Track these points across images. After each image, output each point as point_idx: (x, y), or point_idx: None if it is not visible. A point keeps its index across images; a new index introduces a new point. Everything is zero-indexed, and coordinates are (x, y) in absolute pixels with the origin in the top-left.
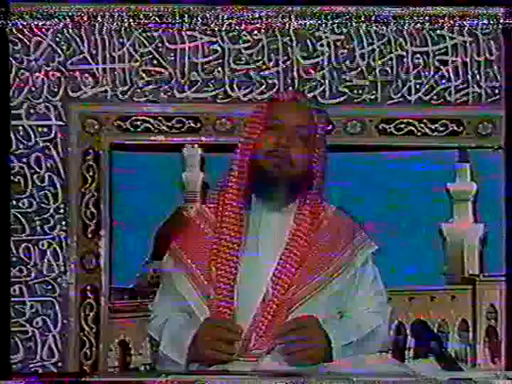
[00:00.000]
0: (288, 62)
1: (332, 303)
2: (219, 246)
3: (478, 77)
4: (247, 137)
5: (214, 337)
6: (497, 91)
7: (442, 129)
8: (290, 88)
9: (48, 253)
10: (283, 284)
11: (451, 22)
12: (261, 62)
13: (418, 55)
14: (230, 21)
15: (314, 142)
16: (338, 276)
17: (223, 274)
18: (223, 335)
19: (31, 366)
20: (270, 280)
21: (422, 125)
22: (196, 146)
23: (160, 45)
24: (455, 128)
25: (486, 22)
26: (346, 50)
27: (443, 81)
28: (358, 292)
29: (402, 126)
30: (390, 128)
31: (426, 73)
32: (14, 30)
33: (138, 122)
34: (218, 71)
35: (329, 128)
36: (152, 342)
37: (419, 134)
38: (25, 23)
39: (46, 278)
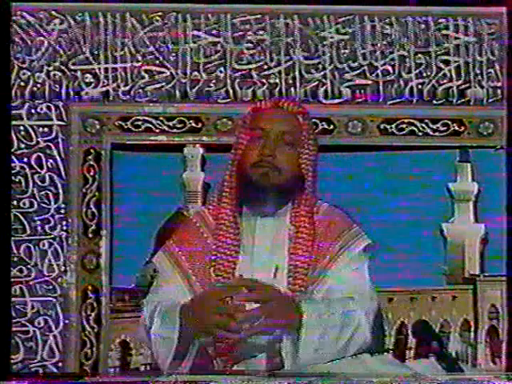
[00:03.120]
0: (290, 62)
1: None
2: (217, 253)
3: (479, 77)
4: (234, 149)
5: (219, 302)
6: (498, 91)
7: (443, 129)
8: (292, 88)
9: (49, 253)
10: (300, 283)
11: (454, 21)
12: (263, 61)
13: (420, 55)
14: (233, 21)
15: (300, 145)
16: (333, 265)
17: (221, 279)
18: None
19: (32, 366)
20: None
21: (424, 125)
22: (197, 145)
23: (162, 45)
24: (456, 128)
25: (488, 21)
26: (348, 50)
27: (445, 81)
28: (344, 275)
29: (404, 125)
30: (391, 128)
31: (428, 73)
32: (15, 29)
33: (139, 122)
34: (220, 71)
35: (315, 129)
36: (142, 337)
37: (420, 133)
38: (27, 23)
39: (47, 278)
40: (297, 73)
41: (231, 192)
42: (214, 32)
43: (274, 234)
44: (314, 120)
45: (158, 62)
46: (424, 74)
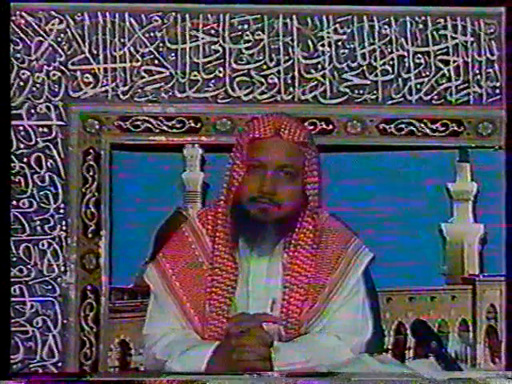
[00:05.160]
0: (289, 62)
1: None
2: (213, 288)
3: (478, 77)
4: (230, 181)
5: (247, 343)
6: (497, 91)
7: (442, 129)
8: (291, 88)
9: (48, 253)
10: (293, 321)
11: (453, 21)
12: (262, 61)
13: (419, 55)
14: (232, 20)
15: (303, 175)
16: (335, 295)
17: (215, 315)
18: (256, 339)
19: (31, 366)
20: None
21: (423, 125)
22: (196, 145)
23: (161, 44)
24: (456, 128)
25: (487, 21)
26: (347, 50)
27: (444, 81)
28: (341, 308)
29: (403, 125)
30: (390, 128)
31: (427, 73)
32: (15, 29)
33: (139, 122)
34: (219, 71)
35: (318, 156)
36: (152, 362)
37: (420, 134)
38: (26, 23)
39: (46, 278)
40: (296, 73)
41: (226, 221)
42: (212, 32)
43: (266, 278)
44: (313, 121)
45: (157, 61)
46: (423, 74)
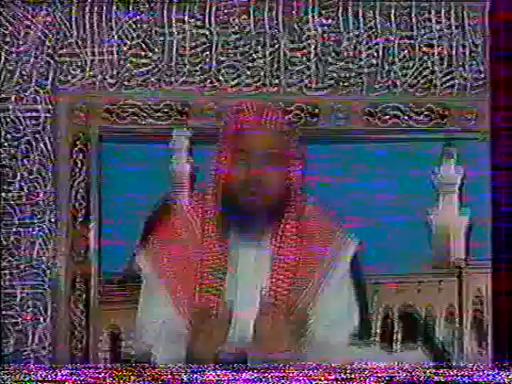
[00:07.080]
0: (275, 50)
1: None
2: (204, 278)
3: (463, 66)
4: (217, 168)
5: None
6: (481, 81)
7: (426, 119)
8: (277, 77)
9: (37, 243)
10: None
11: (438, 10)
12: (248, 50)
13: (404, 43)
14: (219, 6)
15: (287, 162)
16: (325, 284)
17: (204, 302)
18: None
19: (22, 356)
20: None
21: (407, 114)
22: (183, 136)
23: (148, 32)
24: (440, 117)
25: (471, 10)
26: (332, 38)
27: (428, 70)
28: (331, 297)
29: (388, 114)
30: (375, 117)
31: (412, 62)
32: (3, 16)
33: (127, 111)
34: (206, 59)
35: (301, 143)
36: (141, 349)
37: (404, 123)
38: (13, 12)
39: (36, 268)
40: (282, 61)
41: (215, 211)
42: (199, 20)
43: (255, 269)
44: (298, 112)
45: (144, 50)
46: (407, 63)
